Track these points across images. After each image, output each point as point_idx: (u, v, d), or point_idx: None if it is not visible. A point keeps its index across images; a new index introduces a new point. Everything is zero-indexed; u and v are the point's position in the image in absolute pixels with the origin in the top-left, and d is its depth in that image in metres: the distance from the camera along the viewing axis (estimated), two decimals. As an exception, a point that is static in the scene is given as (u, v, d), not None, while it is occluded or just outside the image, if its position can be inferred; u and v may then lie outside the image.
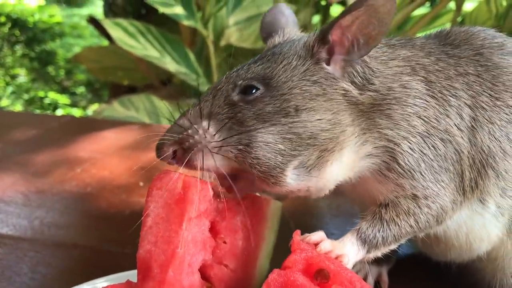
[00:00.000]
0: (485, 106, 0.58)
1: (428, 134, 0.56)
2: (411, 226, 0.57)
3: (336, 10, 2.53)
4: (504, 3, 1.70)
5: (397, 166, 0.56)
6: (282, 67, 0.56)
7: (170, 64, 1.98)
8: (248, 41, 2.10)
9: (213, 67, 2.09)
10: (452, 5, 1.89)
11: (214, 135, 0.53)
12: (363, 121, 0.56)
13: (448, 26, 1.97)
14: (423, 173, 0.55)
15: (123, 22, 2.00)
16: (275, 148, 0.53)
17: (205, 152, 0.53)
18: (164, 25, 2.37)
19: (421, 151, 0.55)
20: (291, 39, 0.61)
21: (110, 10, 3.08)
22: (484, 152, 0.57)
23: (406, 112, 0.55)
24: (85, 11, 5.97)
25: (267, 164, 0.53)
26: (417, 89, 0.56)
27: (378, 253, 0.58)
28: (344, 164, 0.56)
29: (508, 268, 0.63)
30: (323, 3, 2.58)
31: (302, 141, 0.53)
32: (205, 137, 0.53)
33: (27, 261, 0.76)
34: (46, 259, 0.77)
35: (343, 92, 0.55)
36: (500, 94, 0.58)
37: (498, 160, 0.57)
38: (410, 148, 0.55)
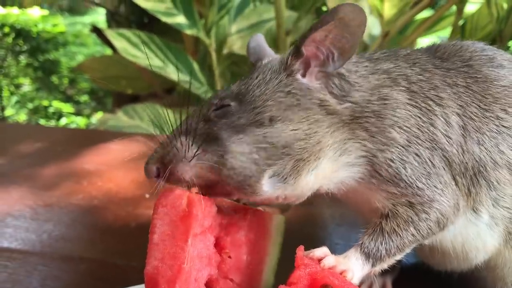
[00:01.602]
0: (473, 116, 0.59)
1: (409, 142, 0.57)
2: (412, 234, 0.58)
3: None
4: (505, 6, 1.71)
5: (378, 175, 0.57)
6: (257, 82, 0.58)
7: (173, 73, 1.99)
8: (250, 48, 2.11)
9: (216, 75, 2.10)
10: (454, 8, 1.90)
11: (191, 148, 0.55)
12: (344, 131, 0.57)
13: (449, 29, 1.98)
14: (408, 181, 0.56)
15: (126, 32, 2.01)
16: (249, 157, 0.54)
17: (182, 164, 0.55)
18: (167, 34, 2.39)
19: (402, 159, 0.56)
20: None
21: (113, 19, 3.10)
22: (476, 161, 0.58)
23: (383, 125, 0.57)
24: (88, 19, 6.01)
25: (243, 173, 0.54)
26: (398, 100, 0.57)
27: (384, 265, 0.58)
28: (321, 173, 0.57)
29: (508, 277, 0.64)
30: (324, 8, 2.59)
31: (276, 151, 0.54)
32: (183, 150, 0.55)
33: (36, 275, 0.78)
34: (54, 273, 0.79)
35: (319, 102, 0.56)
36: (490, 106, 0.59)
37: (489, 170, 0.58)
38: (388, 159, 0.56)
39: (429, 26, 2.07)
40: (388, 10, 1.98)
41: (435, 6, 2.52)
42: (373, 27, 2.25)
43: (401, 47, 0.66)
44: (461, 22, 1.91)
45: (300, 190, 0.57)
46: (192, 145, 0.55)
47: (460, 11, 1.89)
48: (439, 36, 2.89)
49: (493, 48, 0.65)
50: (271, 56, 0.65)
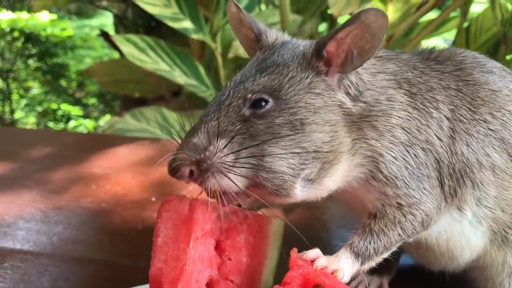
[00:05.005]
0: (463, 119, 0.61)
1: (410, 143, 0.59)
2: (399, 234, 0.61)
3: (344, 18, 2.55)
4: (510, 8, 1.72)
5: (380, 175, 0.59)
6: (288, 79, 0.57)
7: (180, 77, 2.02)
8: (255, 52, 2.13)
9: (221, 78, 2.13)
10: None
11: (229, 154, 0.55)
12: (354, 131, 0.59)
13: (454, 31, 1.99)
14: (405, 181, 0.59)
15: (134, 37, 2.05)
16: (286, 162, 0.55)
17: (220, 172, 0.55)
18: (173, 37, 2.42)
19: (404, 159, 0.59)
20: (284, 43, 0.62)
21: (120, 23, 3.14)
22: (463, 162, 0.61)
23: (390, 124, 0.59)
24: (95, 22, 6.06)
25: (281, 177, 0.55)
26: (401, 102, 0.60)
27: (372, 263, 0.61)
28: (340, 175, 0.59)
29: (496, 277, 0.66)
30: (330, 11, 2.60)
31: (308, 155, 0.56)
32: (221, 157, 0.55)
33: (47, 276, 0.81)
34: (65, 274, 0.82)
35: (340, 103, 0.58)
36: (478, 109, 0.62)
37: (475, 171, 0.61)
38: (393, 157, 0.59)
39: (434, 28, 2.09)
40: (392, 14, 1.99)
41: (442, 6, 2.52)
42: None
43: (402, 51, 0.68)
44: (465, 25, 1.92)
45: (321, 192, 0.59)
46: (230, 150, 0.55)
47: (464, 13, 1.91)
48: (444, 38, 2.90)
49: (485, 57, 0.68)
50: (269, 30, 0.64)
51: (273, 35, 0.64)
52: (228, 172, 0.55)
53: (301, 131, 0.56)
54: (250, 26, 0.64)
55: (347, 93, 0.59)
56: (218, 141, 0.55)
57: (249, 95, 0.56)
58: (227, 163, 0.55)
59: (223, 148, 0.55)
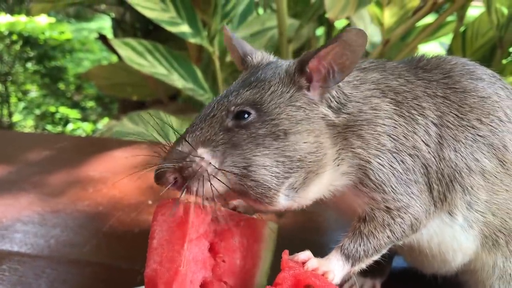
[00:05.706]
0: (450, 125, 0.62)
1: (397, 150, 0.60)
2: (388, 237, 0.62)
3: (340, 22, 2.56)
4: (506, 13, 1.74)
5: (369, 182, 0.60)
6: (270, 94, 0.60)
7: (177, 81, 2.03)
8: (252, 56, 2.14)
9: (219, 82, 2.14)
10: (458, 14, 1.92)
11: (211, 161, 0.57)
12: (339, 141, 0.60)
13: (451, 36, 2.00)
14: (393, 187, 0.60)
15: (131, 41, 2.05)
16: (270, 170, 0.57)
17: (203, 179, 0.57)
18: (171, 40, 2.43)
19: (391, 166, 0.60)
20: (269, 63, 0.65)
21: (119, 26, 3.15)
22: (452, 167, 0.62)
23: (375, 132, 0.60)
24: (94, 25, 6.08)
25: (264, 186, 0.57)
26: (386, 110, 0.61)
27: (362, 265, 0.63)
28: (325, 184, 0.61)
29: (487, 280, 0.67)
30: (327, 15, 2.61)
31: (292, 164, 0.58)
32: (203, 164, 0.57)
33: (45, 278, 0.82)
34: (62, 276, 0.83)
35: (323, 116, 0.60)
36: (466, 115, 0.63)
37: (464, 176, 0.62)
38: (380, 164, 0.60)
39: (431, 32, 2.10)
40: (388, 19, 2.01)
41: (439, 10, 2.54)
42: (374, 35, 2.29)
43: (389, 59, 0.70)
44: (462, 29, 1.94)
45: (304, 201, 0.61)
46: (213, 158, 0.57)
47: (461, 17, 1.92)
48: (441, 42, 2.92)
49: (475, 63, 0.69)
50: (254, 51, 0.67)
51: (259, 56, 0.67)
52: (210, 179, 0.57)
53: (285, 140, 0.58)
54: (236, 49, 0.67)
55: (329, 106, 0.61)
56: (201, 150, 0.58)
57: (232, 108, 0.59)
58: (209, 170, 0.57)
59: (206, 156, 0.57)
